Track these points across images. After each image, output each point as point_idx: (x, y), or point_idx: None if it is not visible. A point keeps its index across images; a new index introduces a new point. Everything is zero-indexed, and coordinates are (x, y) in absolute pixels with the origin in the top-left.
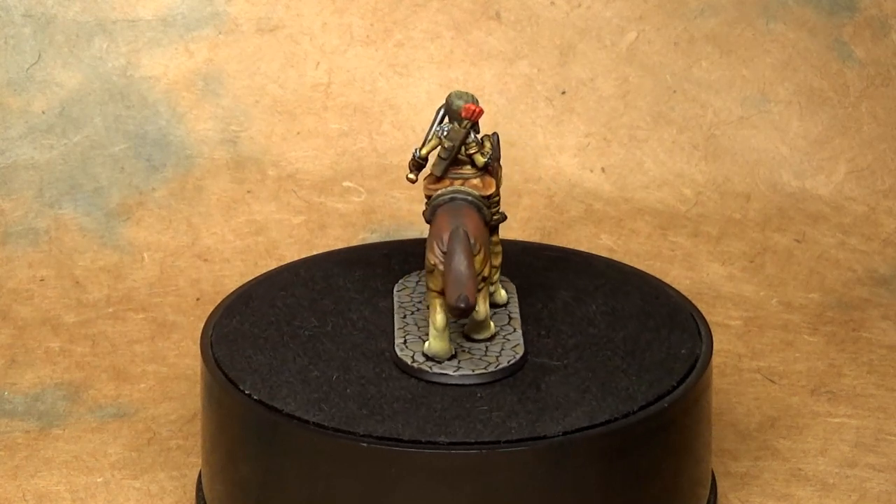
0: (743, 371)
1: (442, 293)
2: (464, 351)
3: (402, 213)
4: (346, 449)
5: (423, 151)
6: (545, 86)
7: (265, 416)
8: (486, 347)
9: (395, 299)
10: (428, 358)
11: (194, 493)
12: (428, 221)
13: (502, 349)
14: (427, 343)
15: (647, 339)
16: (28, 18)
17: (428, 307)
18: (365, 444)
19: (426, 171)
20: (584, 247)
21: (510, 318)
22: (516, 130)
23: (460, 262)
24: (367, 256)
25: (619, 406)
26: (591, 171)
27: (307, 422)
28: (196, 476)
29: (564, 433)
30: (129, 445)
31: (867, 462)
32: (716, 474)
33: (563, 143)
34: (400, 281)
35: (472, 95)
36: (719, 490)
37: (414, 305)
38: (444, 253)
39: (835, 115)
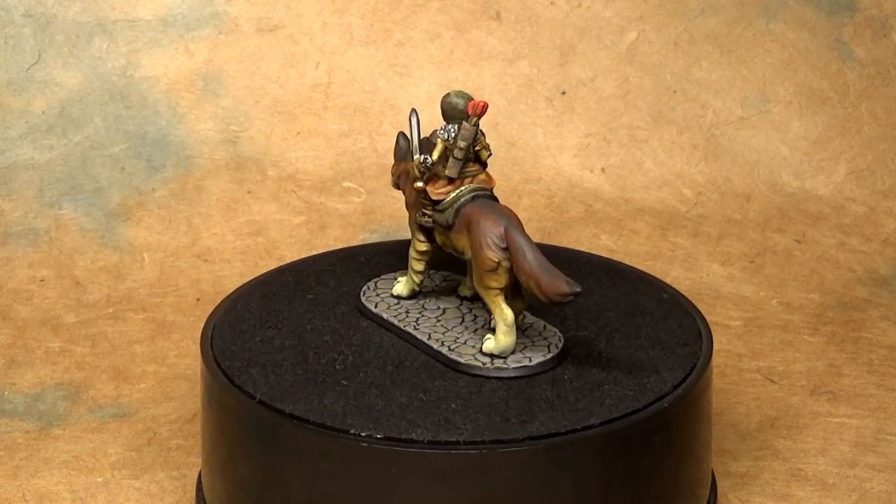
0: (743, 371)
1: (504, 290)
2: None
3: (402, 213)
4: (346, 449)
5: (436, 156)
6: (545, 86)
7: (265, 416)
8: (525, 335)
9: (385, 316)
10: (493, 356)
11: (194, 493)
12: (449, 225)
13: (540, 333)
14: (491, 342)
15: (647, 340)
16: (28, 18)
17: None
18: (365, 444)
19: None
20: (584, 247)
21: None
22: (516, 130)
23: (538, 253)
24: (366, 257)
25: (618, 406)
26: (591, 171)
27: (307, 421)
28: (196, 476)
29: (564, 433)
30: (129, 445)
31: (867, 462)
32: (716, 474)
33: (563, 143)
34: (364, 298)
35: (467, 93)
36: (719, 490)
37: (410, 315)
38: (503, 249)
39: (835, 115)
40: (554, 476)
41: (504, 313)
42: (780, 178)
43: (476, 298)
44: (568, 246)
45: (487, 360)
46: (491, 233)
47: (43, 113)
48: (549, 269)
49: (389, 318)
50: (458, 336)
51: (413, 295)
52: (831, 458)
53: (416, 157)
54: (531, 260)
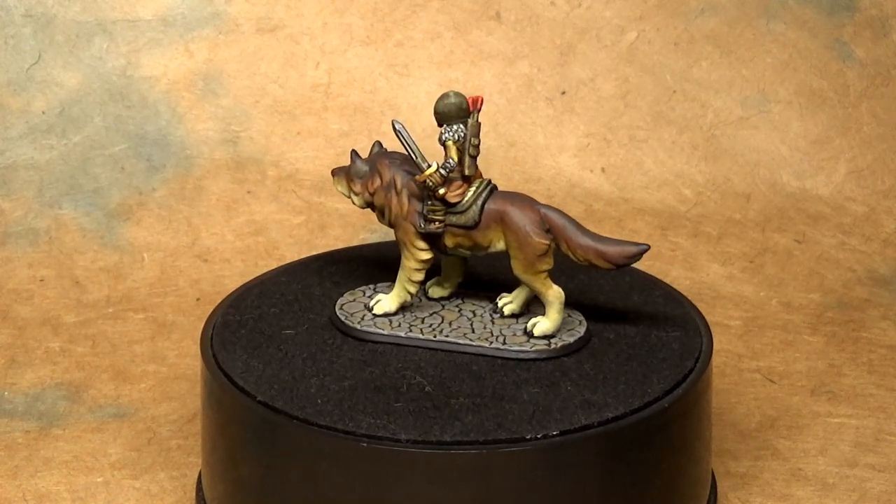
0: (743, 371)
1: (549, 271)
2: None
3: None
4: (346, 449)
5: (456, 158)
6: (545, 86)
7: (265, 416)
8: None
9: (403, 334)
10: (547, 337)
11: (194, 493)
12: (473, 225)
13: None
14: (545, 323)
15: (647, 339)
16: (28, 18)
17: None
18: (365, 444)
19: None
20: None
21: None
22: (516, 130)
23: (584, 227)
24: (367, 257)
25: (619, 406)
26: (591, 171)
27: (306, 421)
28: (196, 476)
29: (564, 433)
30: (129, 445)
31: (867, 462)
32: (716, 474)
33: (563, 143)
34: (358, 325)
35: (459, 92)
36: (719, 490)
37: (422, 328)
38: (547, 231)
39: (835, 115)
40: (554, 476)
41: (558, 292)
42: (780, 178)
43: (453, 297)
44: None
45: (543, 341)
46: (531, 220)
47: (43, 113)
48: (603, 238)
49: (408, 334)
50: (490, 331)
51: (399, 310)
52: (831, 458)
53: (426, 166)
54: (583, 234)
